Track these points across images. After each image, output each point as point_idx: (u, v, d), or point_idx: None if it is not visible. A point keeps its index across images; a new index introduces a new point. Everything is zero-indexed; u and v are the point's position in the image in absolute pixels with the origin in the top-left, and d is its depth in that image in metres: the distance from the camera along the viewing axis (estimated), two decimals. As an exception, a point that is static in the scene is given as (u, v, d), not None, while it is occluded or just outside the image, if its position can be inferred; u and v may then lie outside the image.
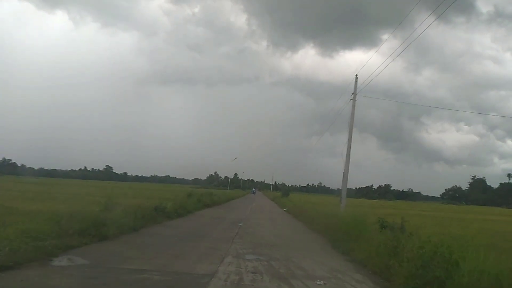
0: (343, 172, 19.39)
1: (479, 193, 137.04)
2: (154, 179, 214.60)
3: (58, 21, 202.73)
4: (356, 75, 18.82)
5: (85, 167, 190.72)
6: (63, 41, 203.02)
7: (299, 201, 40.12)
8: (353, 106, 18.86)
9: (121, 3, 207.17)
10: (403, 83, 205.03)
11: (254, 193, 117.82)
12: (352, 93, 18.87)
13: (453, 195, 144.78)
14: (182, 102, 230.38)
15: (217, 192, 59.15)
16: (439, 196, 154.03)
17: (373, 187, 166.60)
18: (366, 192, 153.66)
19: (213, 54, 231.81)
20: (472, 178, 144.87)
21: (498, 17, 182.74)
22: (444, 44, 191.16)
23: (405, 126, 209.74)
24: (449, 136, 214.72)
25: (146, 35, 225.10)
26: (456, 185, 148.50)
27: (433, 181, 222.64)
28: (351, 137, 19.13)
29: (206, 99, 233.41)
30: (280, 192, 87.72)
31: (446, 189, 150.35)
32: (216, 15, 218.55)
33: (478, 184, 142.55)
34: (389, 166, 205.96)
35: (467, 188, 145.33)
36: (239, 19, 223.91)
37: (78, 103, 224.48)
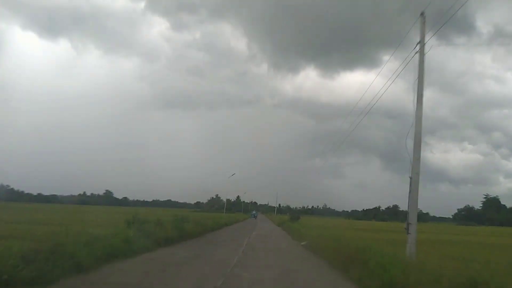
0: (410, 177, 12.00)
1: (493, 212, 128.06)
2: (156, 203, 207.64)
3: (61, 49, 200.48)
4: (423, 12, 11.65)
5: (84, 192, 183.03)
6: (65, 68, 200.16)
7: (315, 227, 31.77)
8: (421, 54, 11.65)
9: (122, 30, 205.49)
10: (405, 103, 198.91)
11: (255, 216, 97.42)
12: (419, 42, 11.66)
13: (466, 215, 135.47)
14: (183, 126, 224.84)
15: (213, 216, 51.00)
16: (451, 216, 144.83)
17: (380, 208, 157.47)
18: (375, 214, 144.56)
19: (214, 77, 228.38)
20: (485, 197, 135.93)
21: (499, 37, 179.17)
22: (445, 64, 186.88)
23: (409, 147, 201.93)
24: (454, 156, 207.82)
25: (147, 61, 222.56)
26: (468, 205, 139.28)
27: (440, 201, 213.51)
28: (421, 107, 12.02)
29: (208, 123, 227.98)
30: (288, 215, 77.05)
31: (458, 209, 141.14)
32: (216, 39, 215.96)
33: (492, 203, 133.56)
34: (394, 187, 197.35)
35: (480, 208, 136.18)
36: (240, 43, 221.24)
37: (79, 128, 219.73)
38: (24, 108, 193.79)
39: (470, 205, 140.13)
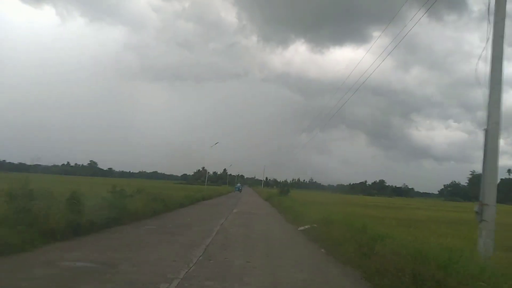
0: (485, 130, 7.08)
1: (479, 189, 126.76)
2: (141, 175, 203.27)
3: (44, 16, 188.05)
4: None
5: (68, 162, 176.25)
6: (49, 36, 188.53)
7: (310, 203, 26.44)
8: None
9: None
10: (392, 80, 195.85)
11: (239, 190, 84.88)
12: None
13: (452, 191, 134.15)
14: (170, 98, 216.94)
15: (193, 188, 45.81)
16: (437, 192, 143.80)
17: (367, 183, 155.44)
18: (362, 188, 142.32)
19: (203, 49, 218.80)
20: (471, 174, 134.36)
21: (490, 15, 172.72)
22: (433, 42, 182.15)
23: (395, 123, 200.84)
24: (438, 133, 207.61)
25: (134, 31, 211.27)
26: (455, 181, 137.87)
27: (424, 177, 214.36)
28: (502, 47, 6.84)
29: (195, 95, 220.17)
30: (276, 188, 71.32)
31: (444, 185, 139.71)
32: (206, 10, 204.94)
33: (478, 180, 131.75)
34: (379, 162, 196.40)
35: (466, 184, 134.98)
36: (229, 14, 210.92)
37: (63, 97, 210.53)
38: (6, 76, 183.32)
39: (457, 181, 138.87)
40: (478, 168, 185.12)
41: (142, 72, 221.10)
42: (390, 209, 33.15)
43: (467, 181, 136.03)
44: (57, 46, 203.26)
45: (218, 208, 26.77)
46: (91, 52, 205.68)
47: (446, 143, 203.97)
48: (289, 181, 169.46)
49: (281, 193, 44.41)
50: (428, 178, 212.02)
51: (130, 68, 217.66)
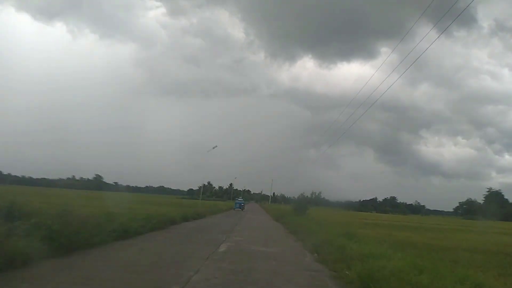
0: None
1: (497, 207, 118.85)
2: (148, 189, 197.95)
3: (56, 32, 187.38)
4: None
5: (73, 175, 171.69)
6: (60, 52, 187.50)
7: (335, 224, 20.39)
8: None
9: (118, 15, 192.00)
10: (400, 96, 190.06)
11: (241, 207, 60.45)
12: None
13: (467, 209, 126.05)
14: (178, 113, 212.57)
15: (187, 204, 39.66)
16: (451, 210, 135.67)
17: (377, 200, 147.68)
18: (373, 205, 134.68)
19: (210, 65, 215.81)
20: (488, 191, 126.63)
21: (499, 31, 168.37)
22: (442, 58, 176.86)
23: (403, 139, 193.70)
24: (447, 150, 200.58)
25: (143, 46, 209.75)
26: (470, 198, 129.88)
27: (435, 194, 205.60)
28: None
29: (203, 111, 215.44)
30: (285, 204, 62.60)
31: (459, 202, 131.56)
32: (213, 26, 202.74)
33: (494, 197, 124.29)
34: (388, 179, 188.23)
35: (482, 202, 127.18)
36: (237, 30, 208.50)
37: (72, 111, 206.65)
38: (15, 90, 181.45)
39: (472, 199, 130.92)
40: (485, 185, 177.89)
41: (150, 87, 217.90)
42: (426, 231, 26.55)
43: (483, 199, 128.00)
44: (67, 62, 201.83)
45: (200, 236, 16.34)
46: (100, 68, 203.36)
47: (454, 160, 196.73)
48: (296, 197, 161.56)
49: (296, 211, 33.68)
50: (438, 195, 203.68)
51: (138, 84, 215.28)
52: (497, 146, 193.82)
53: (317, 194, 34.89)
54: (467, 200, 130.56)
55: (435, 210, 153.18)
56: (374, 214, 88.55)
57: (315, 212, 35.05)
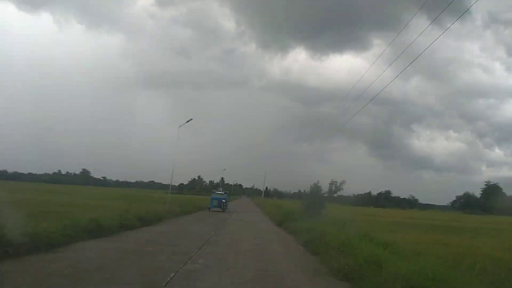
0: None
1: (496, 201, 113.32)
2: (138, 184, 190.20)
3: (42, 23, 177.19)
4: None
5: (59, 170, 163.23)
6: (46, 43, 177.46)
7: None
8: None
9: (106, 4, 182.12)
10: (392, 90, 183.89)
11: (221, 206, 35.70)
12: None
13: (464, 203, 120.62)
14: (167, 106, 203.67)
15: (165, 199, 32.30)
16: (446, 204, 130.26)
17: (372, 194, 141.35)
18: (367, 199, 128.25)
19: (200, 56, 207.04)
20: (486, 185, 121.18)
21: (492, 23, 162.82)
22: (434, 51, 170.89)
23: (395, 133, 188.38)
24: (439, 144, 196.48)
25: (132, 37, 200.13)
26: (468, 192, 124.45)
27: (428, 188, 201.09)
28: None
29: (193, 103, 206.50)
30: (302, 201, 45.45)
31: (457, 196, 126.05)
32: (203, 16, 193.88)
33: (493, 191, 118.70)
34: (379, 173, 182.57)
35: (480, 195, 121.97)
36: (227, 19, 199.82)
37: (59, 104, 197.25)
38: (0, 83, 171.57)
39: (470, 193, 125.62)
40: (475, 179, 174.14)
41: (138, 79, 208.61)
42: (469, 232, 19.13)
43: (481, 192, 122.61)
44: (54, 53, 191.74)
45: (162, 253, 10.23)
46: (88, 59, 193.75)
47: (446, 154, 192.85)
48: (289, 192, 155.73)
49: (308, 209, 22.45)
50: (430, 189, 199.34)
51: (126, 75, 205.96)
52: (488, 140, 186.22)
53: (338, 184, 21.67)
54: (465, 194, 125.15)
55: (427, 204, 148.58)
56: (375, 209, 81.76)
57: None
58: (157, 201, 28.70)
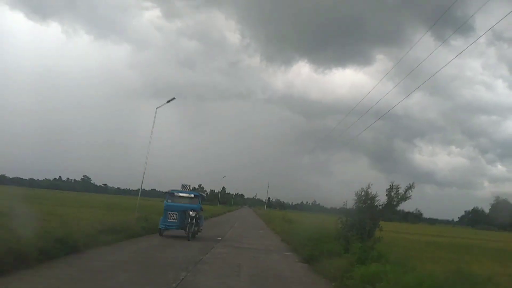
0: None
1: (507, 216, 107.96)
2: (139, 192, 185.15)
3: (50, 32, 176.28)
4: None
5: (60, 176, 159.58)
6: (54, 52, 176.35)
7: None
8: None
9: (113, 16, 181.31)
10: (394, 104, 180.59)
11: (187, 224, 16.56)
12: None
13: (473, 219, 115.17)
14: (171, 116, 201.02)
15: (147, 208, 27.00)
16: (452, 218, 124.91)
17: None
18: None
19: (205, 68, 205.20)
20: (495, 200, 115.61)
21: (496, 41, 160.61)
22: (436, 67, 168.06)
23: (398, 147, 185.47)
24: (441, 159, 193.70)
25: (138, 48, 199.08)
26: (477, 207, 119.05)
27: (429, 203, 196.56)
28: None
29: (197, 114, 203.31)
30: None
31: (465, 211, 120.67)
32: (209, 28, 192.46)
33: (504, 206, 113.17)
34: (381, 186, 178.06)
35: (489, 211, 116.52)
36: (233, 31, 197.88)
37: (64, 112, 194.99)
38: (6, 89, 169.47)
39: (479, 208, 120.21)
40: (477, 195, 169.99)
41: (143, 90, 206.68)
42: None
43: (490, 208, 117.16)
44: (61, 63, 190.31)
45: None
46: (94, 69, 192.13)
47: (448, 169, 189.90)
48: (291, 203, 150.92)
49: (353, 229, 12.55)
50: (432, 203, 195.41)
51: (131, 86, 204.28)
52: (490, 156, 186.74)
53: (402, 191, 11.28)
54: (473, 209, 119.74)
55: (431, 218, 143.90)
56: (389, 223, 76.47)
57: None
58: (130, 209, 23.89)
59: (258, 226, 32.33)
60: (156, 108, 18.74)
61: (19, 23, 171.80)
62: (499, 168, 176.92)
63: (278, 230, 25.16)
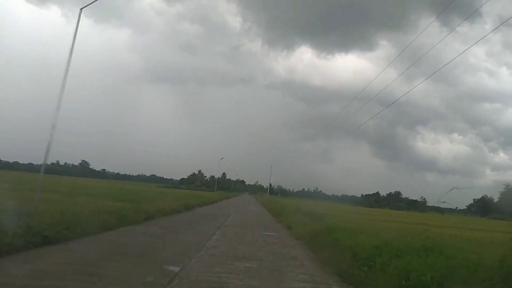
0: None
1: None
2: (140, 178, 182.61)
3: (50, 16, 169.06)
4: None
5: (58, 161, 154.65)
6: (53, 36, 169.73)
7: None
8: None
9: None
10: (396, 91, 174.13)
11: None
12: None
13: (482, 207, 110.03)
14: (172, 101, 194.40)
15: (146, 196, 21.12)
16: (462, 207, 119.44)
17: (380, 194, 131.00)
18: (376, 200, 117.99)
19: (206, 53, 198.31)
20: (505, 188, 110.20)
21: (503, 27, 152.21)
22: (440, 54, 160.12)
23: (400, 135, 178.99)
24: (443, 147, 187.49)
25: (139, 32, 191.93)
26: (486, 195, 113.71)
27: (432, 190, 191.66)
28: None
29: (197, 99, 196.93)
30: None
31: (474, 199, 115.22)
32: (210, 12, 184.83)
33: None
34: (382, 173, 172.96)
35: (498, 200, 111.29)
36: (234, 15, 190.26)
37: (64, 97, 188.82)
38: (4, 73, 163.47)
39: (489, 196, 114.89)
40: (479, 183, 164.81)
41: (143, 74, 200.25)
42: None
43: (499, 196, 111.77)
44: (60, 47, 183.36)
45: None
46: (94, 53, 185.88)
47: (450, 157, 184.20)
48: (293, 190, 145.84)
49: None
50: (435, 191, 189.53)
51: (132, 70, 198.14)
52: (492, 144, 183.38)
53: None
54: (482, 197, 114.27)
55: (433, 206, 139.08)
56: (399, 212, 71.41)
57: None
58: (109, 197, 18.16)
59: (263, 223, 21.69)
60: (81, 9, 13.07)
61: (18, 6, 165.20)
62: (502, 156, 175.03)
63: (298, 230, 15.67)
